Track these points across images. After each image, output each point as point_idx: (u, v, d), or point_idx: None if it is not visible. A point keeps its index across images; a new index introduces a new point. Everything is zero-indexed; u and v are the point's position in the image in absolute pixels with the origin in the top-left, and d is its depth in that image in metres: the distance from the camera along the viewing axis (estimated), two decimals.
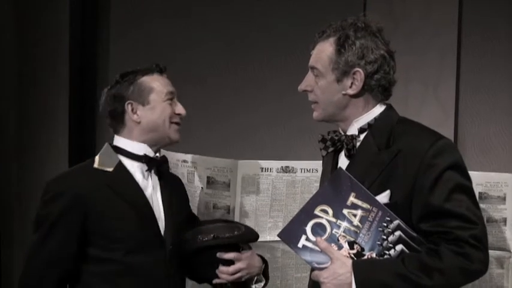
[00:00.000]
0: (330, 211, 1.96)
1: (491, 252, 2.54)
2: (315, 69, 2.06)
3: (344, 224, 1.95)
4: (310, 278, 2.11)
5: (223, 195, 2.71)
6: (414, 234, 1.94)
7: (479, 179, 2.54)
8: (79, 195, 2.19)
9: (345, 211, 1.95)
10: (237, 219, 2.69)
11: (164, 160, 2.35)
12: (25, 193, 3.72)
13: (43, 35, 3.80)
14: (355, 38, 2.02)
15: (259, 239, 2.71)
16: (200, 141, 3.50)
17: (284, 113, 3.67)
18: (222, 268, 2.28)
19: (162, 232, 2.28)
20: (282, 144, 3.55)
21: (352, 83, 2.02)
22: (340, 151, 2.09)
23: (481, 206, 2.51)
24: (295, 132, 3.64)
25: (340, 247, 1.95)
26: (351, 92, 2.03)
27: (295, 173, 2.73)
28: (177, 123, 2.32)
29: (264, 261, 2.39)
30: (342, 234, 1.95)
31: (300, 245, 1.96)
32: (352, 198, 1.95)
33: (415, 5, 3.47)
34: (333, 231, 1.95)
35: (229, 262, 2.28)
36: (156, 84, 2.30)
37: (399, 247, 1.94)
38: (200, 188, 2.74)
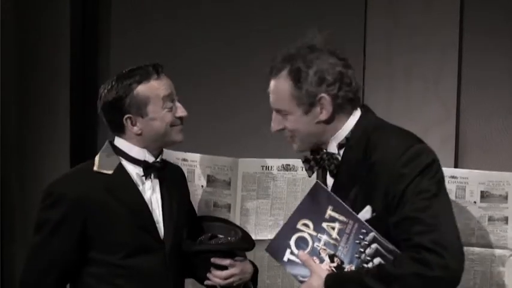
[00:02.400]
0: (311, 225, 1.98)
1: (492, 250, 2.54)
2: (281, 111, 2.03)
3: (324, 237, 1.97)
4: None
5: (224, 194, 2.71)
6: (391, 247, 1.92)
7: (482, 178, 2.53)
8: (78, 201, 2.18)
9: (324, 224, 1.97)
10: (237, 217, 2.69)
11: (163, 166, 2.32)
12: (26, 191, 3.72)
13: (44, 34, 3.80)
14: (307, 67, 1.97)
15: (261, 237, 2.71)
16: (201, 140, 3.49)
17: None
18: (215, 272, 2.31)
19: (162, 235, 2.27)
20: (282, 142, 3.54)
21: (321, 110, 1.99)
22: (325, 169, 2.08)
23: (483, 204, 2.52)
24: None
25: (321, 260, 1.97)
26: (323, 117, 2.00)
27: (296, 171, 2.73)
28: (178, 125, 2.29)
29: (255, 267, 2.41)
30: (323, 247, 1.97)
31: (285, 258, 2.00)
32: (329, 211, 1.96)
33: (416, 2, 3.46)
34: (315, 245, 1.97)
35: (223, 267, 2.31)
36: (153, 94, 2.23)
37: (377, 260, 1.93)
38: (200, 187, 2.74)
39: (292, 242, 1.98)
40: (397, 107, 3.37)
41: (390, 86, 3.49)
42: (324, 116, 2.00)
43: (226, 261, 2.30)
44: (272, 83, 2.04)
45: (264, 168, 2.72)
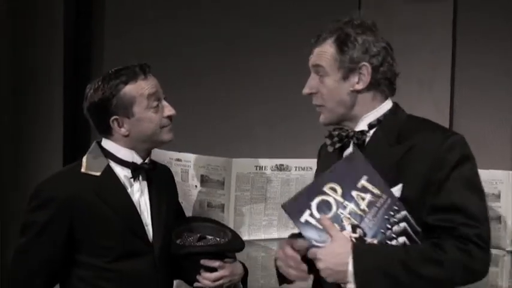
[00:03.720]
0: (339, 190, 1.89)
1: None
2: (320, 68, 2.02)
3: (351, 206, 1.89)
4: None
5: (218, 194, 2.71)
6: (419, 229, 1.91)
7: None
8: (66, 202, 2.14)
9: (354, 193, 1.89)
10: (231, 217, 2.69)
11: (151, 168, 2.29)
12: (21, 192, 3.71)
13: (38, 34, 3.80)
14: (356, 34, 2.01)
15: (254, 237, 2.71)
16: (194, 140, 3.49)
17: (278, 111, 3.67)
18: (204, 274, 2.28)
19: (150, 238, 2.25)
20: (276, 142, 3.55)
21: (359, 79, 2.01)
22: (345, 148, 2.06)
23: None
24: (290, 130, 3.64)
25: (343, 228, 1.88)
26: (358, 87, 2.00)
27: (289, 171, 2.73)
28: (167, 125, 2.25)
29: (245, 268, 2.39)
30: (347, 216, 1.89)
31: (302, 219, 1.88)
32: (363, 181, 1.90)
33: (410, 2, 3.46)
34: (338, 211, 1.88)
35: (212, 269, 2.29)
36: (138, 93, 2.19)
37: (402, 239, 1.91)
38: (194, 187, 2.74)
39: (314, 204, 1.88)
40: None
41: None
42: (360, 85, 2.00)
43: (215, 263, 2.28)
44: (316, 50, 2.05)
45: (258, 168, 2.72)
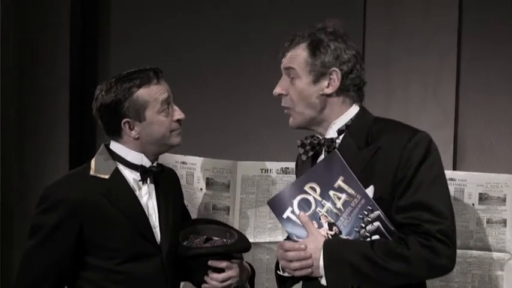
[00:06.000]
0: (318, 190, 2.02)
1: (490, 253, 2.55)
2: (291, 70, 2.08)
3: (328, 205, 2.01)
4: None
5: (223, 196, 2.71)
6: (392, 229, 1.97)
7: (480, 180, 2.55)
8: (75, 205, 2.15)
9: (331, 192, 2.00)
10: (236, 220, 2.70)
11: (160, 171, 2.30)
12: (25, 193, 3.72)
13: (44, 35, 3.81)
14: (328, 40, 2.07)
15: (259, 240, 2.71)
16: (200, 143, 3.50)
17: (284, 114, 3.67)
18: (212, 275, 2.29)
19: (158, 240, 2.25)
20: (281, 145, 3.55)
21: (328, 84, 2.07)
22: (318, 155, 2.12)
23: (481, 207, 2.53)
24: (295, 133, 3.63)
25: (320, 226, 2.01)
26: (328, 91, 2.06)
27: (294, 174, 2.73)
28: (177, 129, 2.27)
29: (252, 269, 2.41)
30: (324, 214, 2.01)
31: (284, 215, 2.04)
32: (340, 182, 2.00)
33: (415, 7, 3.47)
34: (317, 210, 2.02)
35: (220, 269, 2.30)
36: (151, 98, 2.20)
37: (375, 238, 1.97)
38: (199, 190, 2.75)
39: (295, 202, 2.03)
40: (395, 112, 3.37)
41: (389, 90, 3.50)
42: (329, 90, 2.07)
43: (223, 264, 2.29)
44: (289, 53, 2.11)
45: (263, 171, 2.73)
